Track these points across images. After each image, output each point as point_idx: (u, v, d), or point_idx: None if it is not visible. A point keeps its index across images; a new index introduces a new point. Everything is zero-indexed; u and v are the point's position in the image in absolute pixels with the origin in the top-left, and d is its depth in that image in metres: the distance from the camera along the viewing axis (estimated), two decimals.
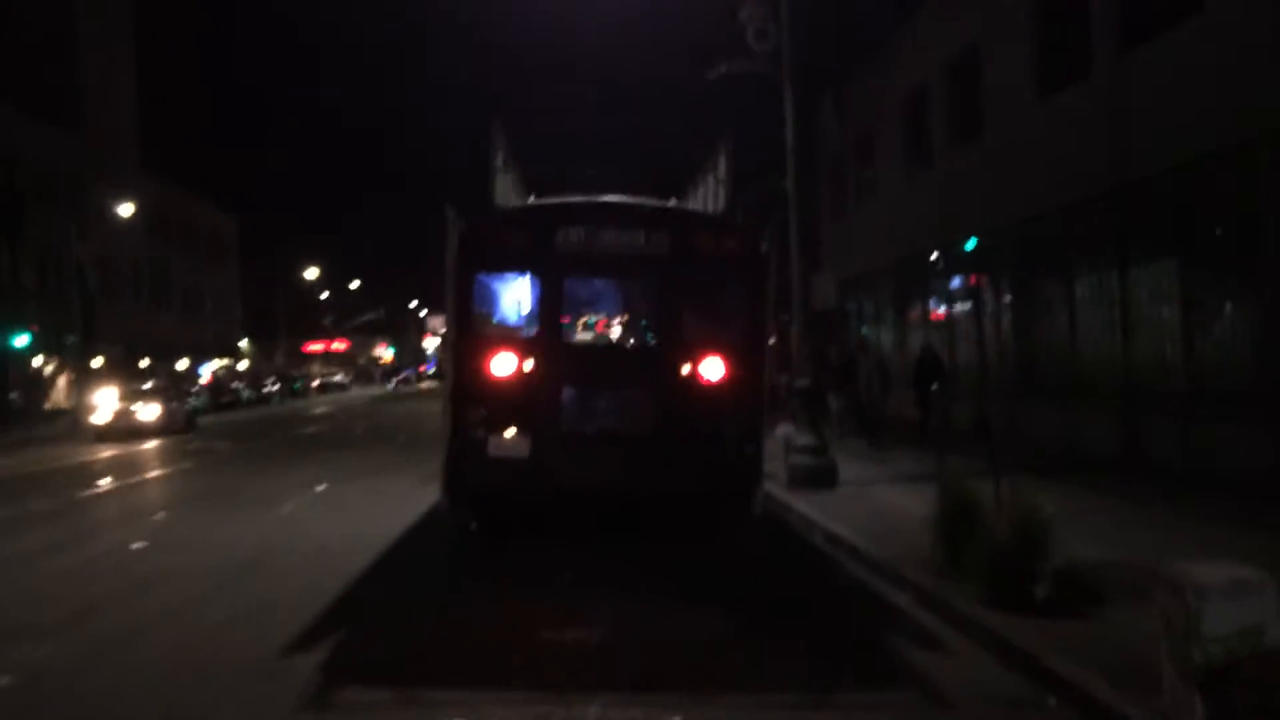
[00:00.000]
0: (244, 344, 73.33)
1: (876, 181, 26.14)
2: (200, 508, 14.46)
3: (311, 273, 79.82)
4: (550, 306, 9.56)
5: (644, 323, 10.41)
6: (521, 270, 9.74)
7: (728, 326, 9.78)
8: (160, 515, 14.08)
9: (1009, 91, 18.10)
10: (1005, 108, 18.38)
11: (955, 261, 21.33)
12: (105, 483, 18.50)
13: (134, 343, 54.18)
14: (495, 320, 10.05)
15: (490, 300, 10.01)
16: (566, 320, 10.07)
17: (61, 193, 46.06)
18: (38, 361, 44.48)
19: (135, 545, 11.28)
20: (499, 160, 10.48)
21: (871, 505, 12.20)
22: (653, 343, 10.01)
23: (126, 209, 48.40)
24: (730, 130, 10.72)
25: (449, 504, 9.48)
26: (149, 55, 57.28)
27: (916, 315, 24.14)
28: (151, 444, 28.11)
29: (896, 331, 25.46)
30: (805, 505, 12.30)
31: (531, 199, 11.76)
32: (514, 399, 9.25)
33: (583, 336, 10.45)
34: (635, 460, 9.28)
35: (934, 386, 18.40)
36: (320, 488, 15.97)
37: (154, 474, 20.32)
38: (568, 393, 9.41)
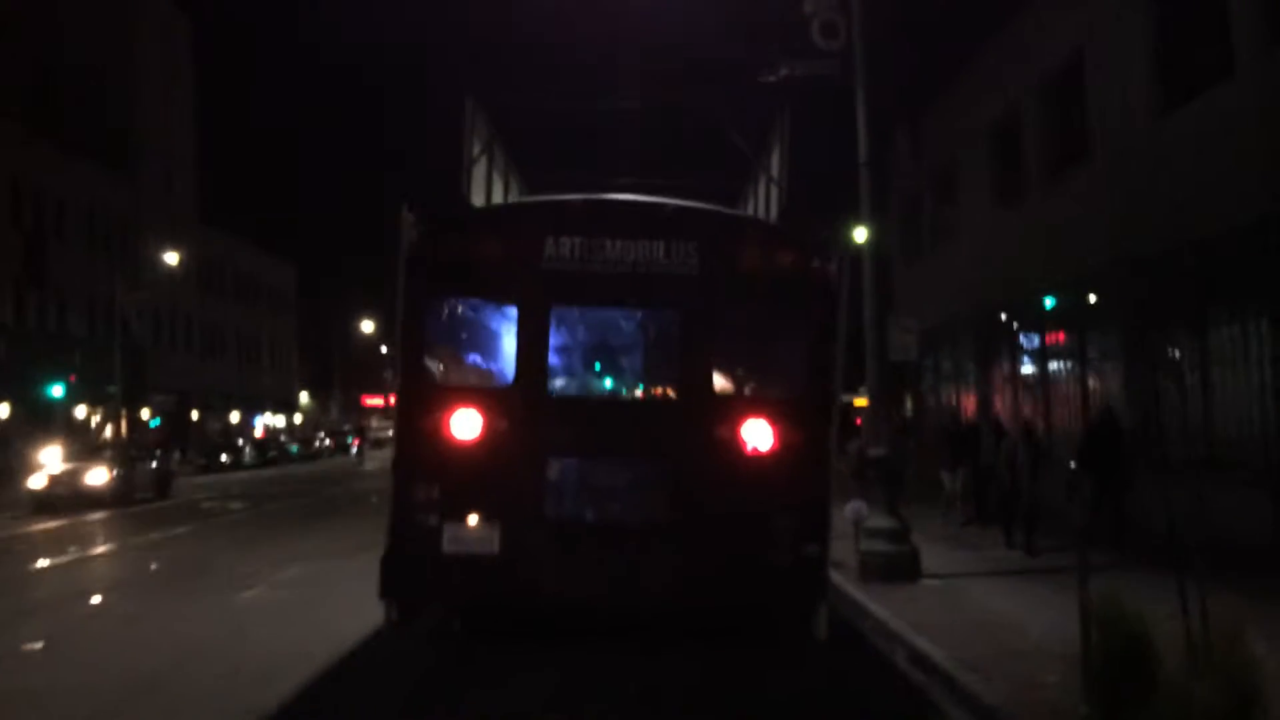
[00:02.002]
0: (302, 396, 72.48)
1: (957, 220, 23.47)
2: (135, 593, 12.17)
3: (369, 325, 79.03)
4: (533, 345, 7.12)
5: (663, 369, 7.93)
6: (495, 294, 7.36)
7: (782, 376, 7.43)
8: (94, 600, 11.91)
9: (1121, 108, 15.45)
10: (1116, 127, 15.72)
11: (1048, 311, 18.59)
12: None
13: (187, 394, 53.34)
14: (457, 364, 7.63)
15: (451, 336, 7.62)
16: (556, 364, 7.66)
17: (113, 239, 45.48)
18: (81, 413, 43.53)
19: (30, 646, 9.06)
20: (475, 148, 8.12)
21: (968, 611, 9.51)
22: (676, 397, 7.49)
23: (179, 257, 47.74)
24: (786, 111, 8.28)
25: (394, 615, 7.04)
26: (213, 101, 57.21)
27: (1004, 372, 21.32)
28: (96, 516, 22.30)
29: (979, 390, 22.66)
30: (883, 608, 9.62)
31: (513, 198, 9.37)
32: (480, 473, 6.87)
33: (577, 388, 8.03)
34: (648, 563, 6.83)
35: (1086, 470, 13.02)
36: (296, 569, 13.49)
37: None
38: (555, 465, 6.98)
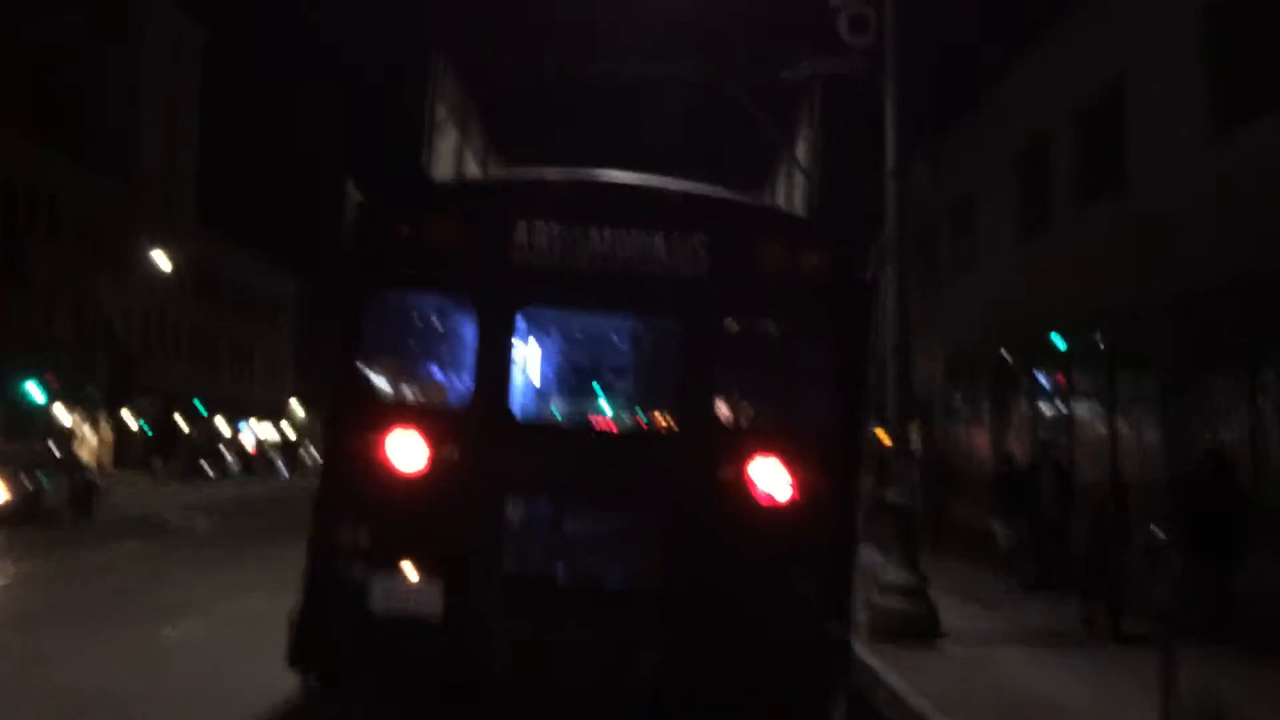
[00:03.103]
0: (294, 405, 71.09)
1: (977, 249, 22.31)
2: (34, 630, 10.52)
3: None
4: (496, 356, 5.79)
5: (659, 392, 6.62)
6: (450, 290, 5.98)
7: (804, 407, 6.18)
8: None
9: (1167, 134, 14.30)
10: (1161, 151, 14.56)
11: (1073, 350, 17.40)
12: None
13: (175, 399, 52.08)
14: (400, 375, 6.28)
15: (393, 340, 6.26)
16: (524, 381, 6.38)
17: (105, 240, 44.44)
18: (63, 415, 42.31)
19: None
20: (440, 113, 6.83)
21: (1000, 686, 8.25)
22: (673, 428, 6.15)
23: (172, 262, 46.68)
24: (818, 87, 7.05)
25: (312, 685, 5.74)
26: (216, 109, 56.31)
27: (1024, 412, 20.09)
28: None
29: (992, 431, 21.42)
30: (900, 678, 8.34)
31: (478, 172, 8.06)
32: (423, 514, 5.55)
33: (549, 411, 6.76)
34: (633, 635, 5.50)
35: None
36: (246, 602, 12.09)
37: None
38: (518, 508, 5.63)
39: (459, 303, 5.96)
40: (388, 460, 5.57)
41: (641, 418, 6.78)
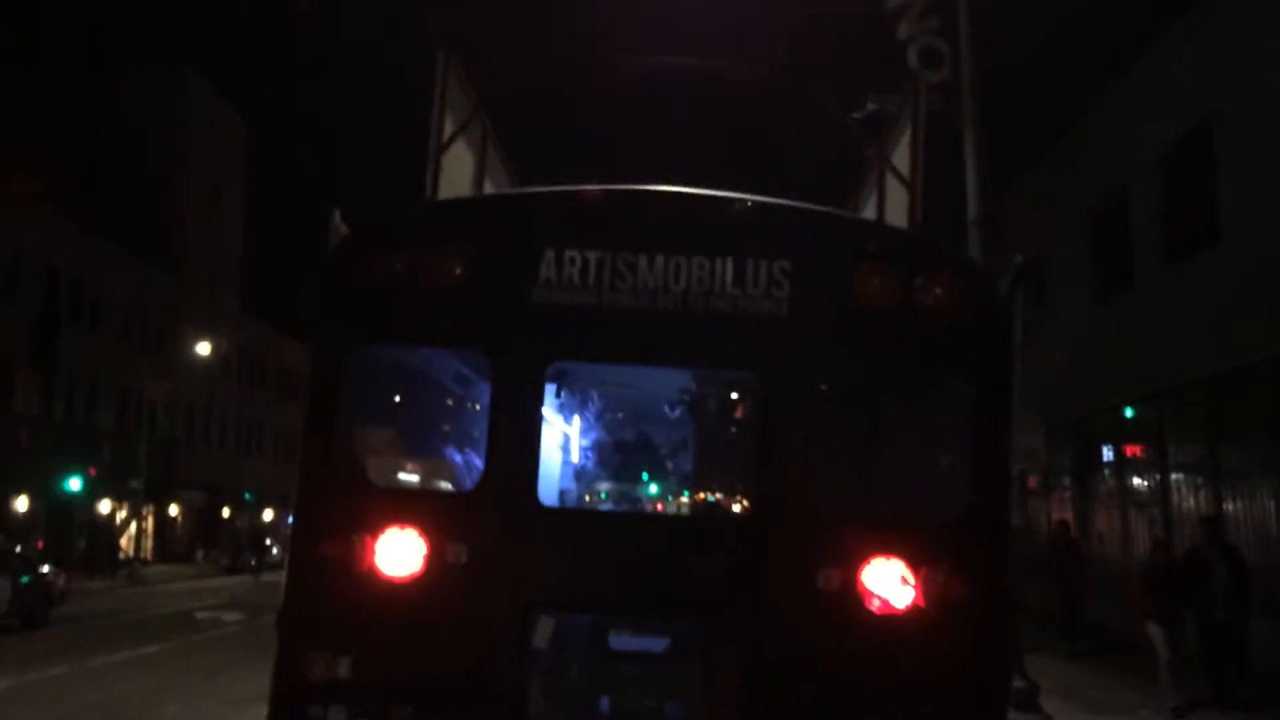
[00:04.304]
0: None
1: (1046, 316, 20.87)
2: None
3: None
4: (516, 426, 4.54)
5: (732, 470, 5.36)
6: (454, 342, 4.77)
7: (931, 481, 4.95)
8: None
9: (1269, 178, 12.97)
10: (1257, 199, 13.22)
11: (1158, 420, 15.86)
12: None
13: (218, 491, 51.54)
14: (389, 452, 5.02)
15: (382, 408, 5.08)
16: (554, 457, 5.23)
17: (149, 330, 44.43)
18: (106, 508, 41.80)
19: None
20: (448, 126, 5.59)
21: None
22: (753, 517, 4.79)
23: (216, 350, 46.57)
24: (921, 83, 5.85)
25: None
26: (260, 198, 56.96)
27: (1110, 486, 18.43)
28: None
29: (1077, 508, 19.71)
30: None
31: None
32: (420, 636, 4.31)
33: (588, 496, 5.51)
34: None
35: None
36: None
37: None
38: (547, 628, 4.36)
39: (468, 358, 4.76)
40: (374, 565, 4.33)
41: (709, 503, 5.48)
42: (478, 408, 4.66)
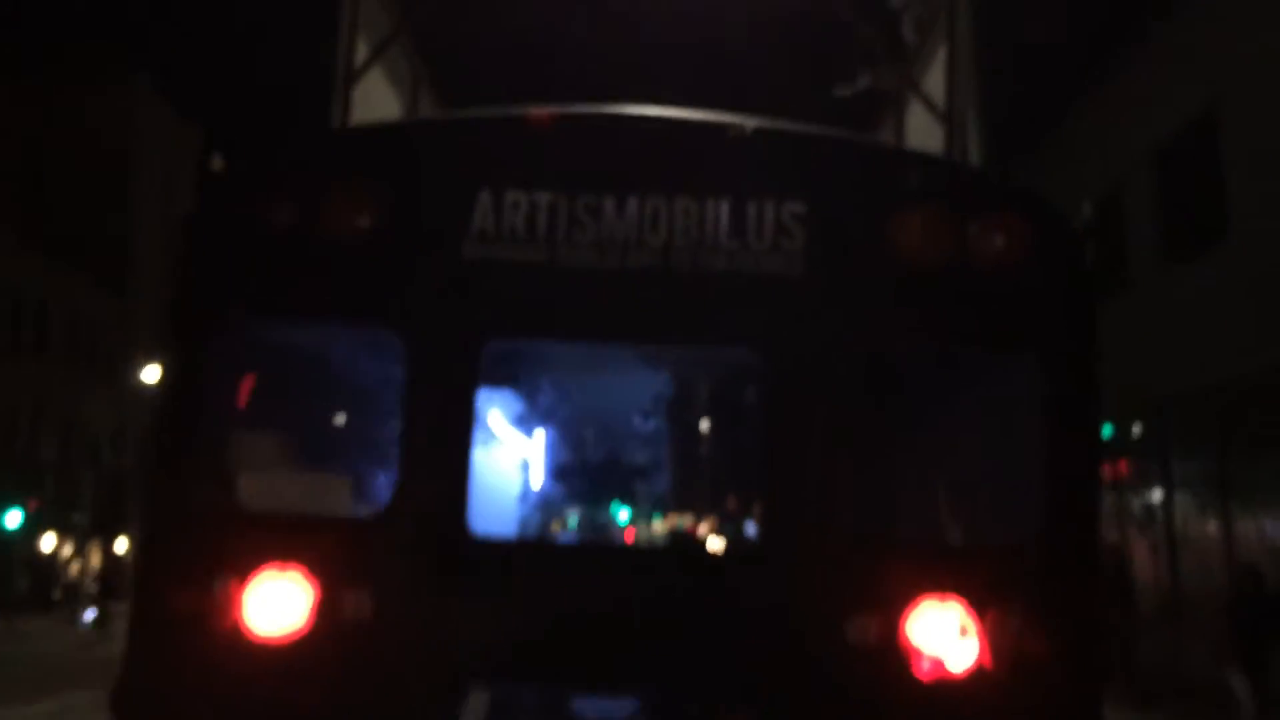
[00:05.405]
0: None
1: None
2: None
3: None
4: (441, 428, 3.34)
5: (732, 483, 4.13)
6: (360, 314, 3.47)
7: (995, 497, 3.68)
8: None
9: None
10: (1263, 193, 12.42)
11: (1154, 432, 15.02)
12: None
13: None
14: (269, 465, 3.73)
15: (259, 405, 3.73)
16: (491, 470, 3.92)
17: (97, 355, 42.76)
18: (49, 545, 39.94)
19: None
20: (361, 50, 4.41)
21: None
22: (759, 547, 3.65)
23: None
24: None
25: None
26: None
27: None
28: None
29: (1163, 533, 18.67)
30: None
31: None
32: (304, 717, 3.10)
33: (537, 523, 4.23)
34: None
35: None
36: None
37: None
38: (478, 703, 3.11)
39: (376, 336, 3.51)
40: (241, 621, 3.15)
41: (700, 529, 4.27)
42: (387, 405, 3.42)
